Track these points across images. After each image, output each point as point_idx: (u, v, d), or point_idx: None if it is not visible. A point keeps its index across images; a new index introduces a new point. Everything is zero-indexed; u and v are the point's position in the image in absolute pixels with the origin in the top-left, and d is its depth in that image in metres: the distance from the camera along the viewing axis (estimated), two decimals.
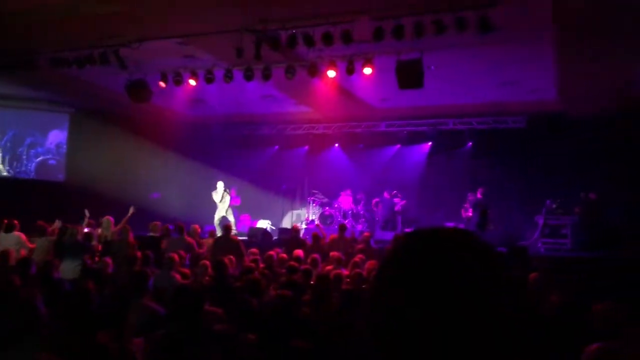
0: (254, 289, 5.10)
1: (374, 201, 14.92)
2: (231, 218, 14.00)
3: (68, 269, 6.78)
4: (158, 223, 9.99)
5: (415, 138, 15.45)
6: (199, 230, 10.71)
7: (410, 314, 0.83)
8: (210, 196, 14.32)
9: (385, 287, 0.88)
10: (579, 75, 10.21)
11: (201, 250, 9.12)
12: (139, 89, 10.92)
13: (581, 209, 12.29)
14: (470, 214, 13.38)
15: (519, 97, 12.74)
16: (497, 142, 14.21)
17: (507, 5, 7.50)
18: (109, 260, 6.56)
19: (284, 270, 6.72)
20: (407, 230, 13.72)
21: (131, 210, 10.22)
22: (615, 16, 7.49)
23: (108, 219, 9.82)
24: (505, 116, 13.95)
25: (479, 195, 13.39)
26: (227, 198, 14.20)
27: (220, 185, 14.30)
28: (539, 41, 8.85)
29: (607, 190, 12.18)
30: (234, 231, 13.23)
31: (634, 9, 7.24)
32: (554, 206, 12.69)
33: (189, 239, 9.08)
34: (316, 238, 10.14)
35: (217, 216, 14.05)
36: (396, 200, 14.71)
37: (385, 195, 14.85)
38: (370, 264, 7.50)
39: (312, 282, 6.05)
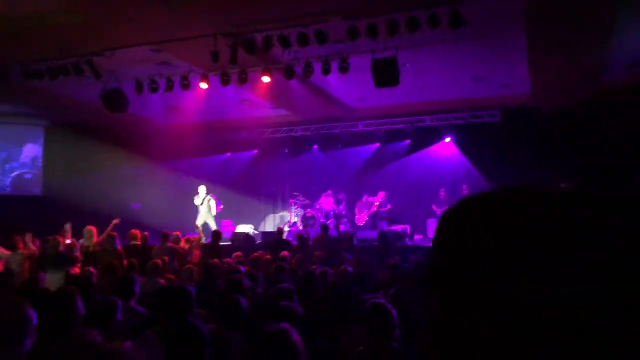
0: (238, 287, 5.12)
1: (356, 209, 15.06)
2: (213, 224, 13.92)
3: (52, 280, 6.70)
4: (136, 231, 9.90)
5: (393, 136, 15.57)
6: (181, 237, 10.65)
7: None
8: (191, 202, 14.24)
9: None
10: (550, 67, 10.42)
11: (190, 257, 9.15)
12: (115, 99, 10.84)
13: None
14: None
15: (493, 91, 12.92)
16: (474, 136, 14.39)
17: (477, 1, 7.64)
18: (92, 269, 6.51)
19: (270, 272, 6.74)
20: (392, 227, 13.85)
21: (114, 220, 10.11)
22: (583, 5, 7.67)
23: (90, 229, 9.72)
24: (480, 110, 14.13)
25: (465, 189, 13.52)
26: (212, 203, 14.13)
27: (202, 189, 14.22)
28: (510, 35, 9.02)
29: (579, 182, 12.41)
30: None
31: None
32: None
33: (172, 246, 9.07)
34: (301, 239, 10.17)
35: (199, 222, 13.98)
36: (373, 199, 14.87)
37: (364, 198, 15.00)
38: (354, 261, 7.57)
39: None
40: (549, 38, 8.79)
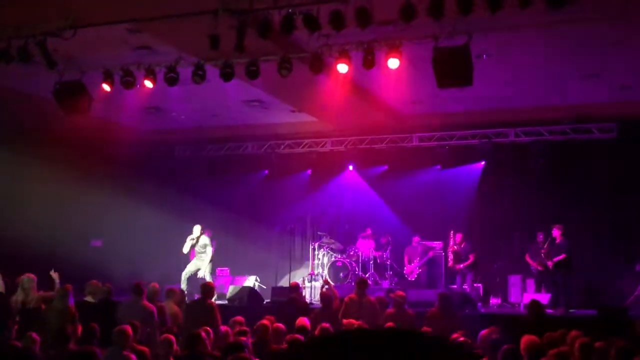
0: None
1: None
2: (208, 275, 13.93)
3: None
4: (97, 283, 10.00)
5: (461, 156, 15.50)
6: (159, 290, 10.70)
7: None
8: (173, 241, 14.28)
9: None
10: None
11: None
12: (73, 95, 11.01)
13: None
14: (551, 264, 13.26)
15: (607, 96, 12.82)
16: (578, 159, 14.22)
17: None
18: (35, 335, 6.55)
19: (283, 347, 6.72)
20: (451, 286, 13.77)
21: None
22: None
23: (30, 277, 9.78)
24: (588, 123, 14.00)
25: (556, 234, 13.32)
26: (209, 249, 14.15)
27: (196, 229, 14.28)
28: (635, 17, 8.98)
29: None
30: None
31: None
32: None
33: (149, 305, 9.13)
34: (327, 300, 10.12)
35: (187, 272, 14.01)
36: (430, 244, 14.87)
37: (415, 240, 14.96)
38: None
39: None
40: None
